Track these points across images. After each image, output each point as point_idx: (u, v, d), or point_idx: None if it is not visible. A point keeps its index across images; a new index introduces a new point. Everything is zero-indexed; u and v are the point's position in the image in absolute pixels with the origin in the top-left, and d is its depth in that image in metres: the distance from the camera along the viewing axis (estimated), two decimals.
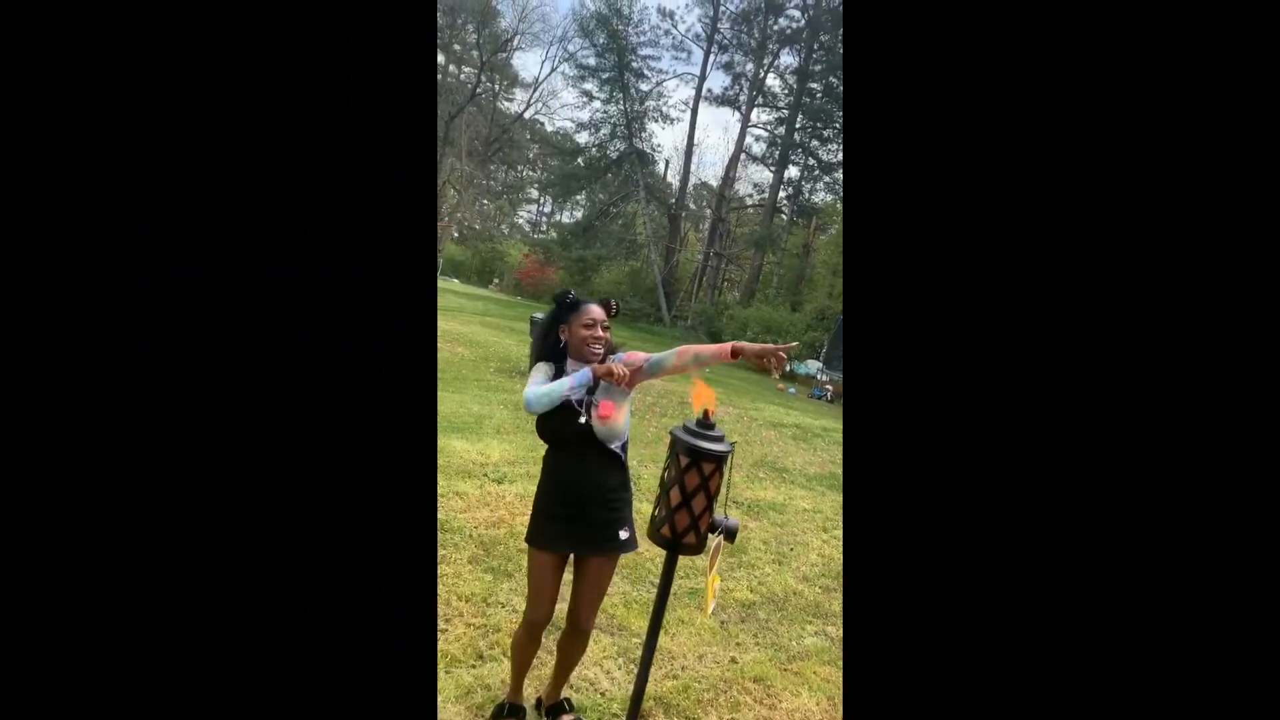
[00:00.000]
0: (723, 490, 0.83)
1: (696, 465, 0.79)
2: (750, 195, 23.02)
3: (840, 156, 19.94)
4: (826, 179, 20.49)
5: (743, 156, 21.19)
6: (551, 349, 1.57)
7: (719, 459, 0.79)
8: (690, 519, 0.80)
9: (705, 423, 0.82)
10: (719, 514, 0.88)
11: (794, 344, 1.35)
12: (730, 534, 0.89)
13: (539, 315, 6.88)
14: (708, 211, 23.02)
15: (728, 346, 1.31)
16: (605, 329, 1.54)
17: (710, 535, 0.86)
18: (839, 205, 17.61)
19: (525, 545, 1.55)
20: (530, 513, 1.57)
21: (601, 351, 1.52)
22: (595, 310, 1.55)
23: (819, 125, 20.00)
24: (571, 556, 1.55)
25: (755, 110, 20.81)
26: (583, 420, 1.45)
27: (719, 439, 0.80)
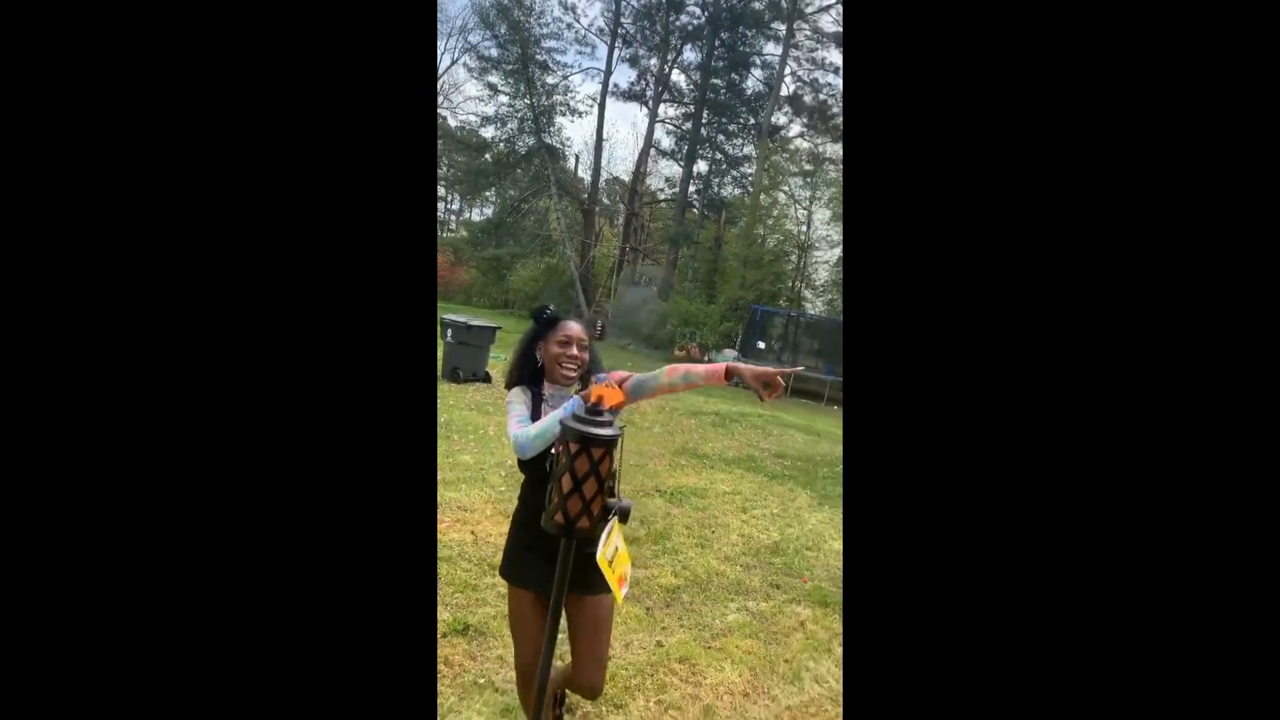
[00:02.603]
0: (617, 475, 0.85)
1: (586, 451, 0.80)
2: (662, 190, 23.36)
3: (745, 151, 20.65)
4: (735, 173, 21.16)
5: (652, 151, 21.44)
6: (531, 373, 1.45)
7: (607, 443, 0.81)
8: (582, 504, 0.82)
9: (594, 409, 0.84)
10: (611, 498, 0.91)
11: (797, 368, 1.25)
12: (624, 515, 0.92)
13: (449, 317, 6.63)
14: (621, 206, 23.13)
15: (721, 367, 1.18)
16: (582, 348, 1.43)
17: (605, 519, 0.88)
18: (746, 199, 18.23)
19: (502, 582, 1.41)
20: (506, 551, 1.46)
21: (574, 373, 1.41)
22: (571, 327, 1.44)
23: (724, 120, 20.58)
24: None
25: (662, 105, 21.12)
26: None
27: (607, 424, 0.82)
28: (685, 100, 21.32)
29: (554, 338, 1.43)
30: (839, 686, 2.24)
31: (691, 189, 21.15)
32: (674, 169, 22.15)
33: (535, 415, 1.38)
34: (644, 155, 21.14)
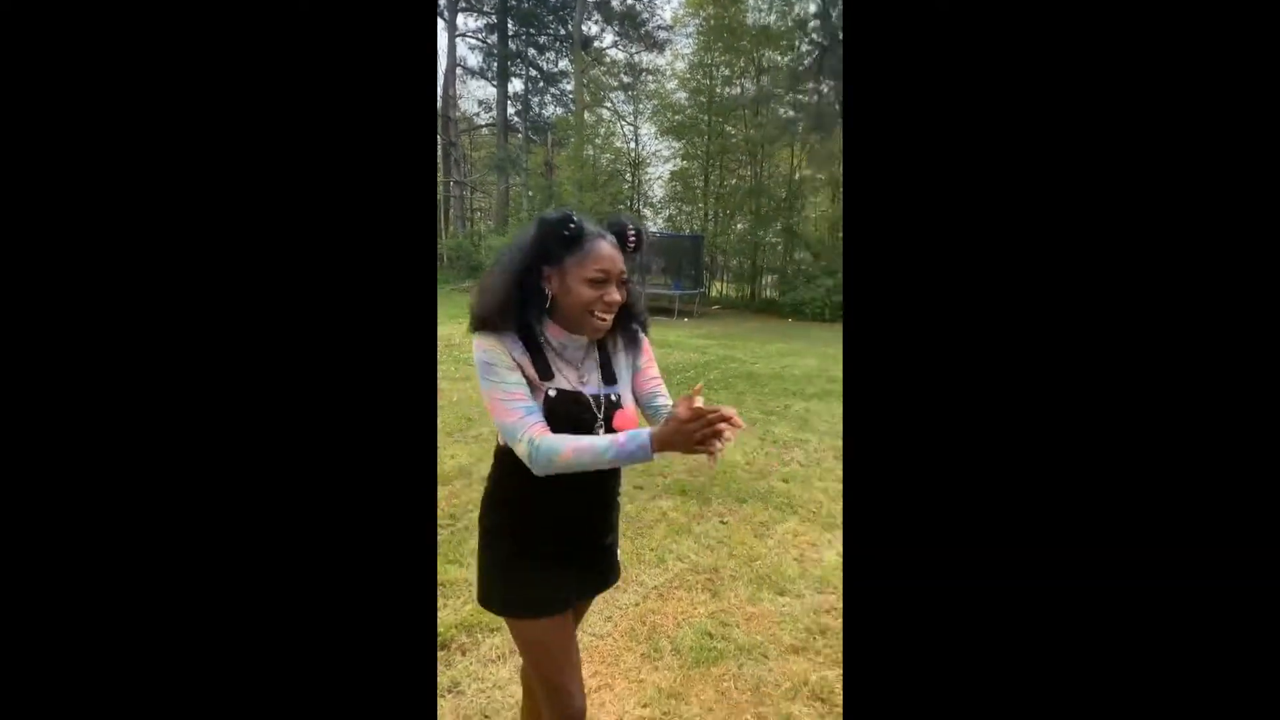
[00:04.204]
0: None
1: None
2: (478, 114, 21.65)
3: (561, 66, 19.67)
4: (553, 90, 20.16)
5: (459, 70, 19.59)
6: (521, 303, 0.95)
7: None
8: None
9: None
10: None
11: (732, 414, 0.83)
12: None
13: None
14: (437, 135, 21.12)
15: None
16: (623, 284, 0.96)
17: None
18: (571, 118, 17.55)
19: (504, 622, 1.07)
20: (491, 578, 1.04)
21: (608, 325, 0.96)
22: (607, 253, 0.94)
23: (532, 32, 19.28)
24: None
25: (461, 16, 19.10)
26: (601, 433, 0.98)
27: None
28: (486, 8, 19.48)
29: (581, 270, 0.94)
30: (697, 558, 2.42)
31: (511, 111, 19.86)
32: (487, 90, 20.55)
33: (544, 374, 0.96)
34: (450, 75, 19.23)
